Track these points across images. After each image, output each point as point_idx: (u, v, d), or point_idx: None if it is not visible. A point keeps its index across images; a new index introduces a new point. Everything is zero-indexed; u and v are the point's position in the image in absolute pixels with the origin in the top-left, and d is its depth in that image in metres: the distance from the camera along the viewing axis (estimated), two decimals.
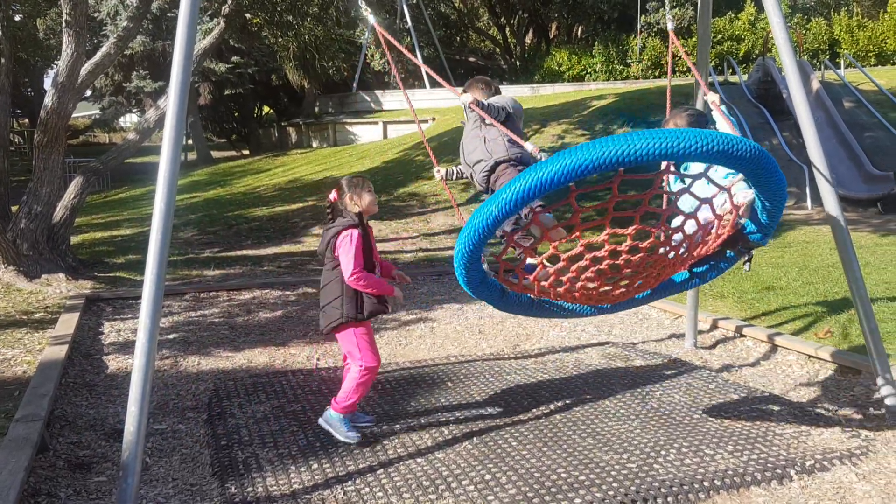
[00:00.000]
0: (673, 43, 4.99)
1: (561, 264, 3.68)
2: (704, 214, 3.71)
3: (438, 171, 5.14)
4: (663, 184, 4.01)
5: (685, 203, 3.73)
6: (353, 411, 4.56)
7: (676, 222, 3.68)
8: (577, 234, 3.54)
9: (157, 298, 3.69)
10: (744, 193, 3.87)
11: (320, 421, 4.55)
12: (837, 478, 4.00)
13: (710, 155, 3.19)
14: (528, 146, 3.99)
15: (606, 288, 3.93)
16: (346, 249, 4.34)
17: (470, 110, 4.74)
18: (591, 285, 3.82)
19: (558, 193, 3.31)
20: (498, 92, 5.02)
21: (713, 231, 3.80)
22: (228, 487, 3.99)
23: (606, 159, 3.06)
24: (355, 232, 4.37)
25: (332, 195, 4.53)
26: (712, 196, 3.67)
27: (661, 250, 3.68)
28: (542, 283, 3.83)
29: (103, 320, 7.54)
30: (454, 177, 5.16)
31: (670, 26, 5.34)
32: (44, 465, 4.20)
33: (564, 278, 3.75)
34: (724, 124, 4.33)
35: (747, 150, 3.26)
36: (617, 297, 4.14)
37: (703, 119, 4.38)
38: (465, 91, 4.91)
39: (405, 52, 4.74)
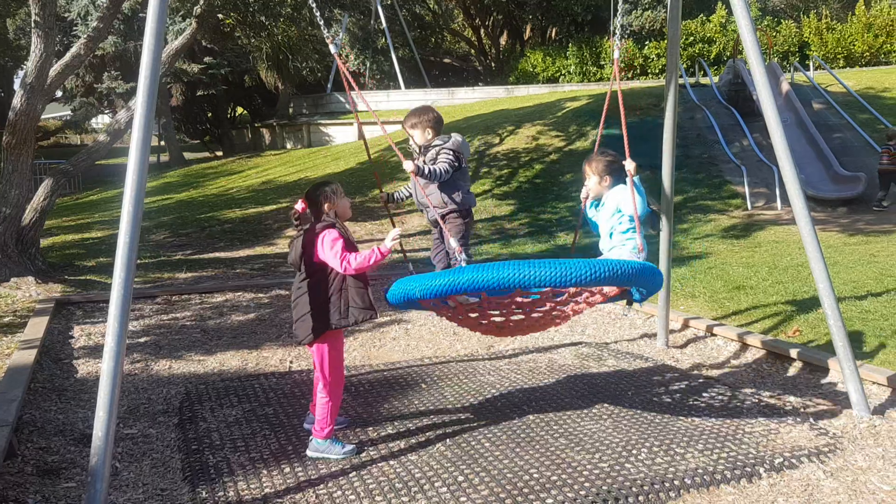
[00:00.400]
0: (614, 76, 5.21)
1: (466, 319, 4.46)
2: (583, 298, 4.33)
3: (382, 196, 5.14)
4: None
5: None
6: (333, 430, 4.46)
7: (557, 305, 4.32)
8: (483, 312, 4.32)
9: (125, 301, 3.66)
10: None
11: (310, 452, 4.38)
12: (806, 475, 4.06)
13: (600, 280, 3.84)
14: (453, 243, 4.52)
15: (501, 334, 4.81)
16: (329, 245, 4.19)
17: (422, 153, 4.89)
18: (489, 327, 4.55)
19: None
20: (439, 123, 4.94)
21: (590, 301, 4.42)
22: (199, 492, 3.96)
23: (509, 282, 3.77)
24: (333, 229, 4.26)
25: (300, 205, 4.36)
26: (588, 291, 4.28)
27: (550, 316, 4.41)
28: (454, 319, 4.60)
29: (73, 324, 7.46)
30: (396, 198, 5.15)
31: (616, 54, 5.41)
32: (12, 472, 4.14)
33: (470, 322, 4.52)
34: (628, 196, 4.67)
35: (630, 270, 3.96)
36: (508, 334, 4.89)
37: (616, 165, 4.90)
38: (412, 124, 4.91)
39: (359, 92, 4.74)
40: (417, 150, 4.93)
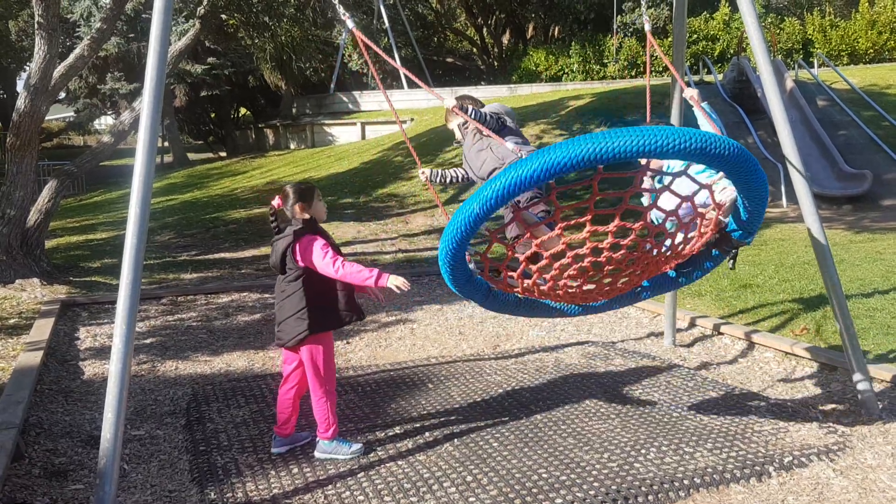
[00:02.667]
0: (651, 45, 4.97)
1: (543, 262, 3.67)
2: (686, 212, 3.71)
3: (423, 172, 4.97)
4: (644, 182, 3.99)
5: (666, 201, 3.75)
6: (338, 428, 4.44)
7: (658, 220, 3.68)
8: (559, 231, 3.55)
9: (132, 303, 3.65)
10: (725, 191, 3.90)
11: (318, 454, 4.37)
12: (815, 474, 4.04)
13: (688, 152, 3.20)
14: (509, 144, 4.07)
15: (589, 287, 3.94)
16: (318, 253, 4.17)
17: (465, 126, 4.65)
18: (573, 283, 3.83)
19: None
20: (478, 104, 4.79)
21: (696, 229, 3.82)
22: (208, 493, 3.95)
23: (585, 157, 3.07)
24: (312, 235, 4.24)
25: (276, 201, 4.36)
26: (693, 193, 3.70)
27: (644, 248, 3.69)
28: (526, 280, 3.83)
29: (79, 325, 7.46)
30: (437, 179, 5.05)
31: (647, 27, 5.31)
32: (19, 474, 4.14)
33: (548, 276, 3.74)
34: (704, 122, 4.37)
35: (725, 148, 3.26)
36: (601, 295, 4.14)
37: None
38: (451, 109, 4.55)
39: (382, 54, 4.62)
40: (461, 137, 4.79)
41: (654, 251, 3.78)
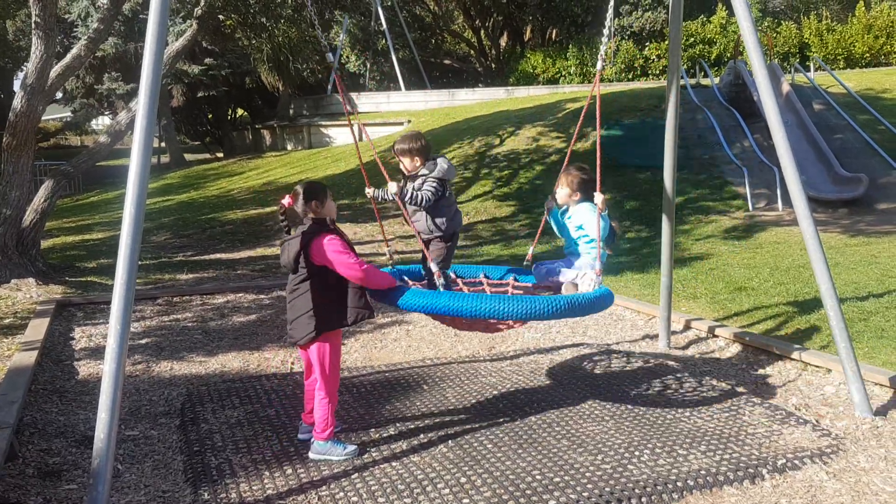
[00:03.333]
0: (593, 89, 5.14)
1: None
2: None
3: (368, 190, 5.24)
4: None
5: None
6: (334, 430, 4.45)
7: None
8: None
9: (127, 303, 3.65)
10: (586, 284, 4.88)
11: (312, 455, 4.37)
12: (808, 476, 4.05)
13: (559, 314, 4.30)
14: (433, 267, 4.84)
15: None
16: (339, 253, 4.19)
17: (408, 178, 5.08)
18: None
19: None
20: (428, 150, 5.08)
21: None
22: (201, 494, 3.95)
23: (475, 312, 4.19)
24: (332, 235, 4.25)
25: (287, 200, 4.35)
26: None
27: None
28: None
29: (74, 325, 7.45)
30: (380, 197, 5.19)
31: (599, 65, 5.32)
32: (13, 474, 4.14)
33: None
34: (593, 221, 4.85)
35: (585, 303, 4.41)
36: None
37: (590, 184, 5.02)
38: (402, 151, 5.04)
39: (341, 94, 5.14)
40: (405, 175, 5.12)
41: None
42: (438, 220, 5.03)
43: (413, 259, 10.82)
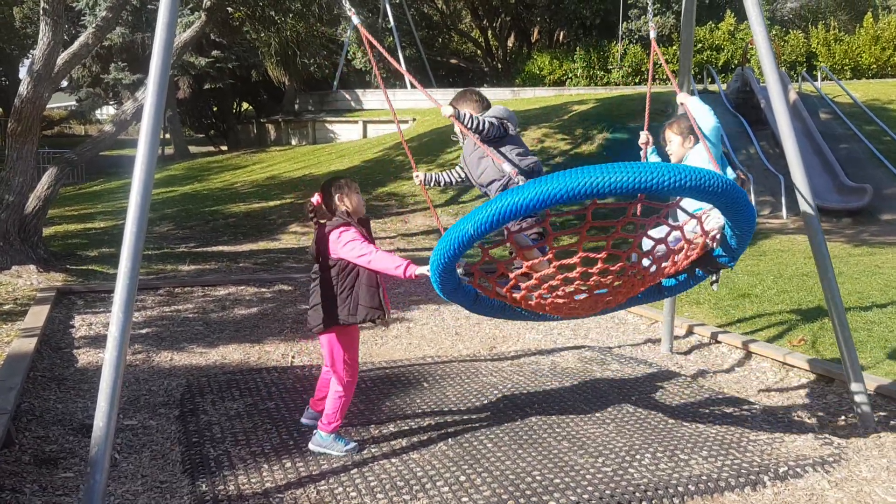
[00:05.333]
0: (654, 52, 4.95)
1: (532, 282, 3.73)
2: (675, 239, 3.78)
3: (417, 175, 4.83)
4: (636, 211, 4.03)
5: (656, 229, 3.83)
6: (339, 426, 4.43)
7: (647, 246, 3.78)
8: (551, 255, 3.61)
9: (130, 292, 3.63)
10: (714, 220, 3.97)
11: (312, 446, 4.36)
12: (810, 485, 4.02)
13: (682, 189, 3.27)
14: (507, 167, 4.07)
15: (575, 304, 3.98)
16: (348, 243, 4.15)
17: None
18: (560, 301, 3.87)
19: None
20: (488, 104, 4.62)
21: (683, 253, 3.87)
22: (199, 485, 3.93)
23: (580, 189, 3.13)
24: (349, 228, 4.23)
25: (316, 198, 4.37)
26: (683, 223, 3.76)
27: (631, 272, 3.77)
28: (514, 294, 3.86)
29: (74, 313, 7.43)
30: (432, 182, 4.87)
31: (653, 34, 5.26)
32: (9, 460, 4.11)
33: (535, 293, 3.80)
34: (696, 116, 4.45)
35: (719, 185, 3.35)
36: (585, 311, 4.21)
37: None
38: (454, 104, 4.46)
39: (386, 53, 4.52)
40: (461, 138, 4.62)
41: (640, 276, 3.85)
42: (510, 155, 4.25)
43: (415, 257, 10.81)
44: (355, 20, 4.43)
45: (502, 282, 3.85)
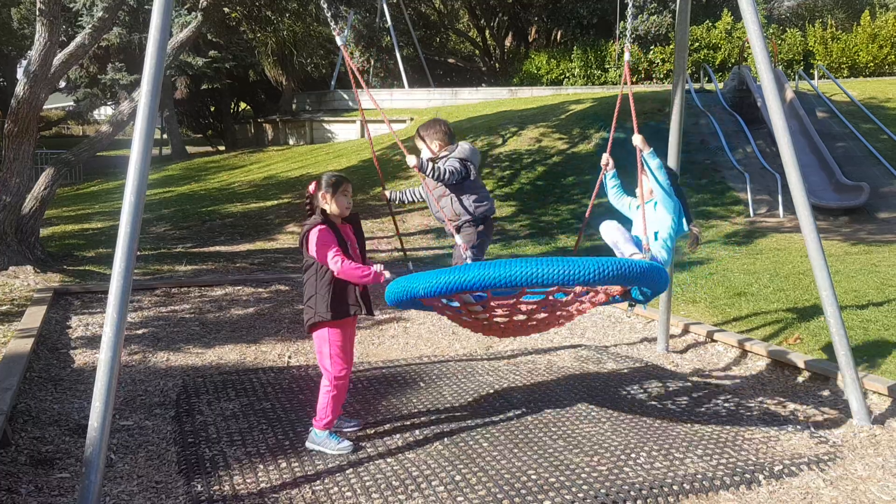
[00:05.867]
0: (624, 81, 5.10)
1: (469, 319, 4.41)
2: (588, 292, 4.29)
3: (384, 195, 5.13)
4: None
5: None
6: (334, 422, 4.46)
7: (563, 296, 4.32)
8: (489, 314, 4.27)
9: (124, 291, 3.63)
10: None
11: (308, 444, 4.39)
12: (805, 483, 4.03)
13: (607, 279, 3.82)
14: (458, 239, 4.62)
15: (504, 335, 4.77)
16: (318, 245, 4.23)
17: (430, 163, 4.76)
18: (494, 329, 4.55)
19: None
20: (452, 137, 4.89)
21: (599, 296, 4.39)
22: (195, 485, 3.93)
23: (515, 279, 3.70)
24: (321, 227, 4.27)
25: (312, 187, 4.41)
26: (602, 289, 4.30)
27: (556, 314, 4.43)
28: (455, 319, 4.56)
29: (71, 314, 7.43)
30: (397, 200, 5.14)
31: (627, 56, 5.34)
32: (5, 461, 4.11)
33: (472, 323, 4.49)
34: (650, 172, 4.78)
35: (637, 272, 3.94)
36: (517, 334, 4.87)
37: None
38: (421, 136, 4.89)
39: (364, 85, 4.57)
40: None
41: (561, 314, 4.44)
42: (466, 202, 4.76)
43: (411, 257, 10.81)
44: (339, 41, 4.64)
45: (450, 309, 4.41)
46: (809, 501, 3.84)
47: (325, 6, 4.66)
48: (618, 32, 27.22)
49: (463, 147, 4.81)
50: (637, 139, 4.72)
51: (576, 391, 5.47)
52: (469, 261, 4.49)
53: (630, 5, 5.68)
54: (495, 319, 4.33)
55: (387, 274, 4.22)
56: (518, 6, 32.61)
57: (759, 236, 11.96)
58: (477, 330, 4.60)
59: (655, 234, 4.73)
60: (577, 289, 4.10)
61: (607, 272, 3.77)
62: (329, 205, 4.36)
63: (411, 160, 4.52)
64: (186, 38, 11.75)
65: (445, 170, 4.63)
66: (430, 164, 4.62)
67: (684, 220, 4.82)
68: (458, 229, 4.77)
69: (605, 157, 5.06)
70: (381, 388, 5.53)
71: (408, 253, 11.07)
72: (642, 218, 4.65)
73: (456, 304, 4.30)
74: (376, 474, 4.06)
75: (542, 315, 4.35)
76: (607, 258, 3.90)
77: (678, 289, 8.18)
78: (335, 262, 4.21)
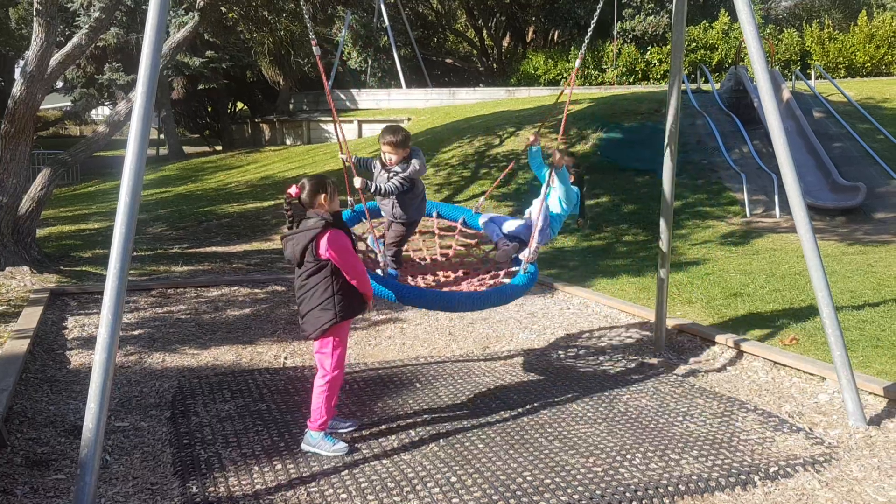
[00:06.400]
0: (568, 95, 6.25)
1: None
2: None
3: (357, 181, 5.16)
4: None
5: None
6: (329, 423, 4.46)
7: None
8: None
9: (119, 292, 3.63)
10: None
11: (303, 446, 4.39)
12: (800, 485, 4.03)
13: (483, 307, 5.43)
14: (381, 259, 5.45)
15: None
16: (338, 251, 4.25)
17: (385, 168, 5.29)
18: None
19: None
20: (406, 140, 5.24)
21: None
22: (190, 487, 3.93)
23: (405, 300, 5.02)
24: (337, 231, 4.27)
25: (294, 190, 4.34)
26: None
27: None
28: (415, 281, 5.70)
29: (67, 315, 7.42)
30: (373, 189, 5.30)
31: (578, 63, 5.99)
32: (0, 462, 4.11)
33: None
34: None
35: (508, 296, 5.35)
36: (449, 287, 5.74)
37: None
38: (388, 144, 5.17)
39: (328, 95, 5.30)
40: (383, 165, 5.31)
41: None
42: (403, 209, 5.37)
43: (405, 257, 10.79)
44: (316, 51, 5.20)
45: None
46: (804, 503, 3.85)
47: (305, 15, 4.89)
48: (615, 33, 27.23)
49: (415, 167, 5.21)
50: (555, 156, 5.54)
51: (572, 392, 5.48)
52: (383, 264, 5.32)
53: (596, 12, 5.79)
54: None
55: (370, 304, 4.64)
56: (516, 6, 32.62)
57: (756, 237, 11.97)
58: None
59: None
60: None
61: (484, 305, 5.32)
62: (328, 205, 4.35)
63: (357, 182, 4.97)
64: (183, 39, 11.74)
65: (388, 189, 5.19)
66: (376, 186, 5.16)
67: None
68: (390, 224, 5.53)
69: (533, 137, 5.87)
70: (378, 389, 5.53)
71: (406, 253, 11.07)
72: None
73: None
74: (371, 475, 4.06)
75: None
76: (482, 294, 5.25)
77: (674, 289, 8.18)
78: (357, 272, 4.34)
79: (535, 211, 5.63)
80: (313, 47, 4.98)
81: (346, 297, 4.31)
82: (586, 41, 5.72)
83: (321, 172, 17.80)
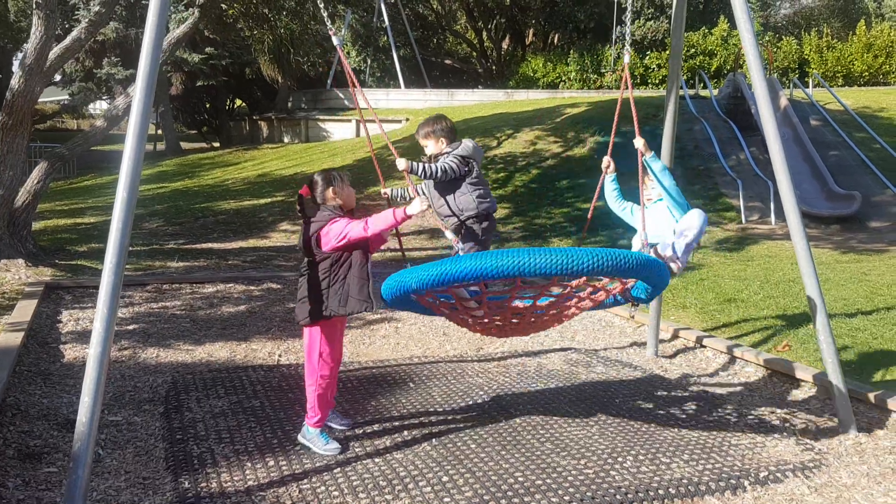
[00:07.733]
0: (624, 83, 5.19)
1: (468, 318, 4.29)
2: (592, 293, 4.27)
3: (385, 191, 4.96)
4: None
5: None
6: (326, 418, 4.47)
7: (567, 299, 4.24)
8: (485, 308, 4.14)
9: (115, 287, 3.63)
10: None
11: (299, 437, 4.43)
12: (790, 490, 4.06)
13: (602, 270, 3.70)
14: (449, 234, 4.49)
15: (501, 334, 4.69)
16: (342, 227, 4.17)
17: (434, 158, 4.69)
18: (488, 328, 4.46)
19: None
20: (452, 132, 4.77)
21: (600, 294, 4.32)
22: (182, 482, 3.94)
23: (509, 270, 3.58)
24: (337, 220, 4.25)
25: (304, 189, 4.38)
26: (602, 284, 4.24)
27: (552, 312, 4.29)
28: (453, 319, 4.45)
29: (62, 308, 7.42)
30: (399, 198, 4.94)
31: (626, 59, 5.43)
32: None
33: (468, 322, 4.35)
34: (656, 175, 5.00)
35: (633, 263, 3.82)
36: (515, 334, 4.72)
37: None
38: (423, 136, 4.75)
39: (361, 93, 4.77)
40: (429, 160, 4.77)
41: (562, 312, 4.32)
42: (465, 199, 4.58)
43: (414, 256, 10.80)
44: (336, 41, 4.69)
45: (446, 306, 4.32)
46: None
47: (321, 6, 4.70)
48: (614, 37, 27.28)
49: (466, 144, 4.69)
50: (638, 142, 4.85)
51: (565, 394, 5.49)
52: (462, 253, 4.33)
53: (628, 9, 5.72)
54: (494, 317, 4.20)
55: (414, 209, 4.18)
56: (516, 9, 32.64)
57: (751, 243, 12.01)
58: (475, 329, 4.46)
59: (655, 240, 4.80)
60: (574, 283, 4.02)
61: (602, 262, 3.62)
62: (337, 199, 4.35)
63: (400, 163, 4.43)
64: (183, 35, 11.73)
65: (438, 168, 4.52)
66: (421, 165, 4.51)
67: None
68: (461, 226, 4.64)
69: (606, 160, 5.14)
70: (371, 389, 5.54)
71: (398, 252, 11.09)
72: (642, 220, 4.74)
73: (451, 299, 4.20)
74: (363, 474, 4.07)
75: (540, 312, 4.22)
76: (602, 249, 3.75)
77: (668, 294, 8.21)
78: (362, 225, 4.14)
79: (638, 242, 4.83)
80: (334, 42, 4.61)
81: (339, 293, 4.28)
82: (627, 36, 5.47)
83: (318, 170, 17.82)
